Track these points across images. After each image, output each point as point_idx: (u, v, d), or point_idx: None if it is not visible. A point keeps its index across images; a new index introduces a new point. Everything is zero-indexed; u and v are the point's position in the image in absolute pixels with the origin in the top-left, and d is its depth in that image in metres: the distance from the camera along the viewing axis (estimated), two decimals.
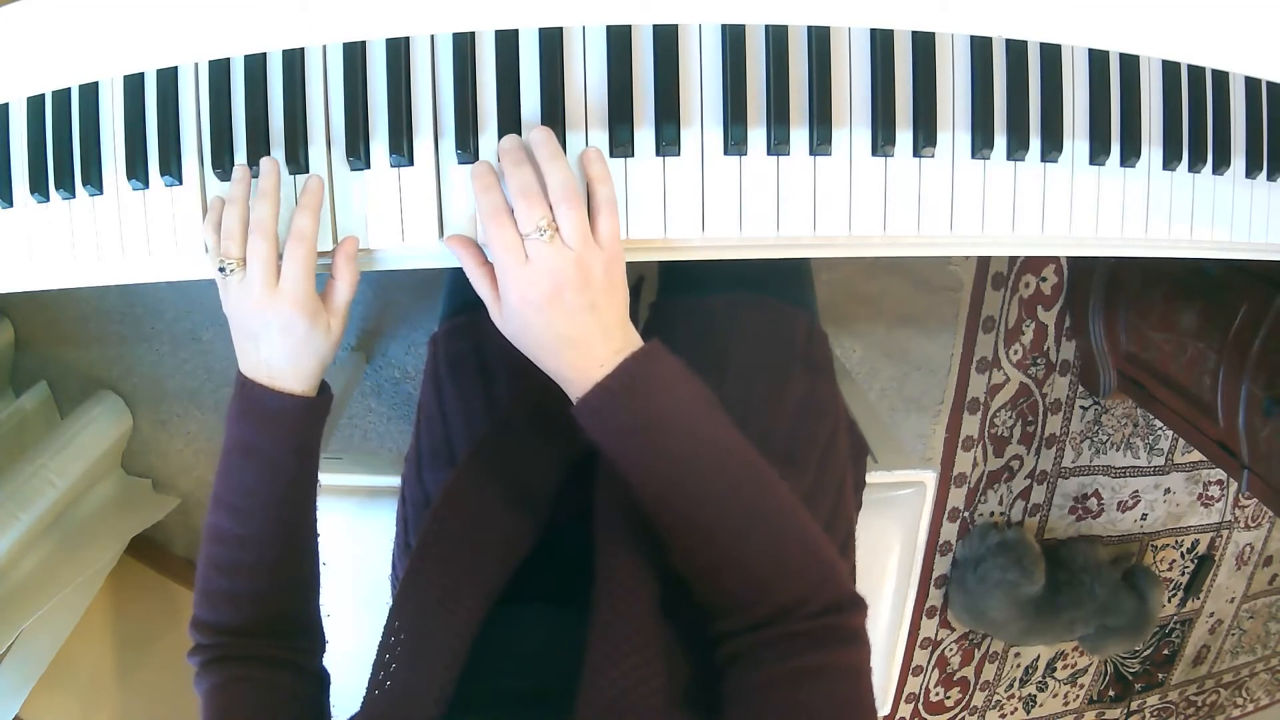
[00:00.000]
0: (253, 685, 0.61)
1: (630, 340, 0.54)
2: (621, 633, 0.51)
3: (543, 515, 0.64)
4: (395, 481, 0.86)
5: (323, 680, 0.67)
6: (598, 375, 0.52)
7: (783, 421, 0.74)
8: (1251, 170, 0.68)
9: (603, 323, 0.53)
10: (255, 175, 0.59)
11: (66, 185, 0.64)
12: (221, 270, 0.57)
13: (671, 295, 0.87)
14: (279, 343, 0.58)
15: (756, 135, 0.60)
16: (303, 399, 0.60)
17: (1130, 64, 0.65)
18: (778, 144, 0.60)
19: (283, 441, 0.60)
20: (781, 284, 0.84)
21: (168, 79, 0.61)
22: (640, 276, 0.92)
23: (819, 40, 0.60)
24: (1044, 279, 1.67)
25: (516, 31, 0.59)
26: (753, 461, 0.55)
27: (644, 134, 0.60)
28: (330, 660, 0.69)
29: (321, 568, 0.68)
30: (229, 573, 0.62)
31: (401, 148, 0.59)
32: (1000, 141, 0.63)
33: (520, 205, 0.52)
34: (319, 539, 0.67)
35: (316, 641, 0.68)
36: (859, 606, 0.55)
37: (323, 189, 0.59)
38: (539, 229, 0.51)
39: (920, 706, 2.07)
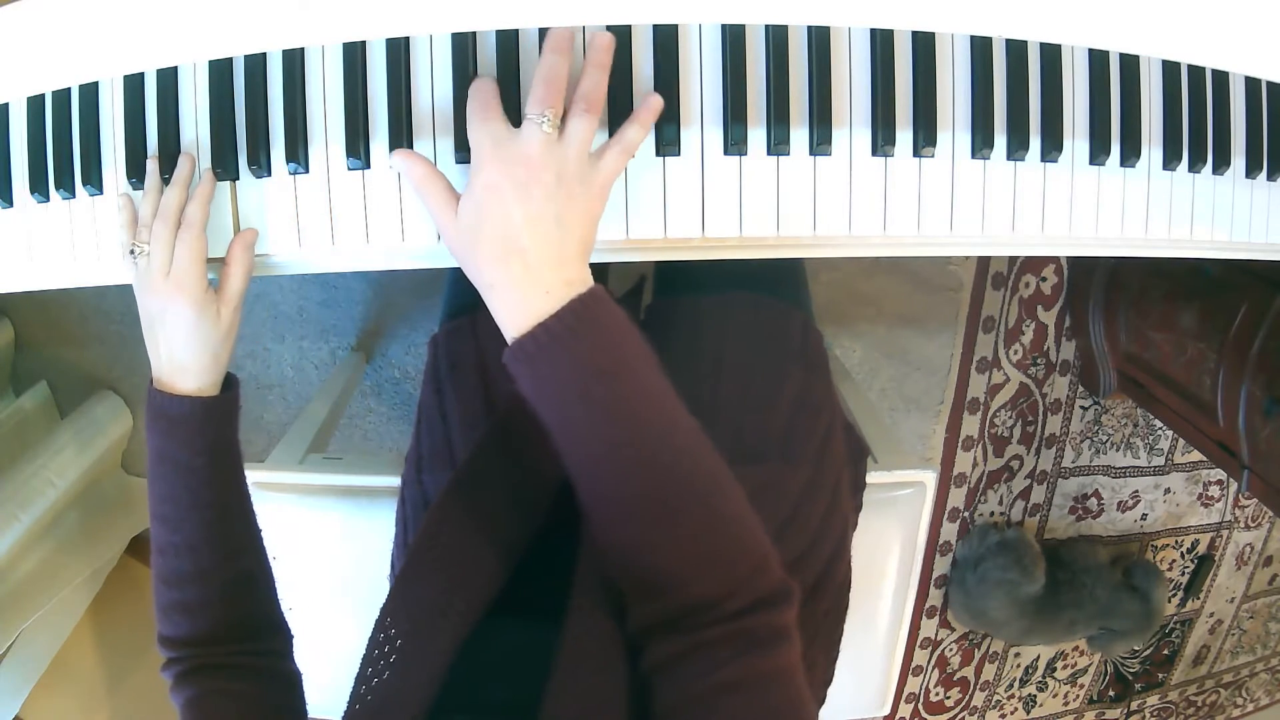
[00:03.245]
0: (230, 698, 0.60)
1: (583, 277, 0.49)
2: (587, 650, 0.50)
3: (538, 520, 0.64)
4: (395, 481, 0.86)
5: (296, 681, 0.67)
6: (541, 306, 0.48)
7: (778, 417, 0.74)
8: (1251, 170, 0.68)
9: (562, 243, 0.48)
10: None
11: (66, 185, 0.64)
12: (132, 253, 0.59)
13: (667, 296, 0.87)
14: (173, 333, 0.59)
15: (756, 135, 0.60)
16: (201, 400, 0.60)
17: (1130, 64, 0.65)
18: (778, 144, 0.60)
19: (190, 444, 0.60)
20: (776, 283, 0.84)
21: (168, 79, 0.61)
22: (642, 276, 0.92)
23: (819, 40, 0.60)
24: (1044, 279, 1.67)
25: (517, 32, 0.59)
26: (696, 433, 0.50)
27: None
28: (331, 660, 0.69)
29: (272, 561, 0.68)
30: (174, 584, 0.62)
31: (402, 147, 0.59)
32: (1000, 141, 0.63)
33: (539, 89, 0.49)
34: (260, 533, 0.67)
35: (282, 639, 0.68)
36: (787, 600, 0.49)
37: (214, 182, 0.60)
38: (544, 116, 0.48)
39: (920, 706, 2.07)
